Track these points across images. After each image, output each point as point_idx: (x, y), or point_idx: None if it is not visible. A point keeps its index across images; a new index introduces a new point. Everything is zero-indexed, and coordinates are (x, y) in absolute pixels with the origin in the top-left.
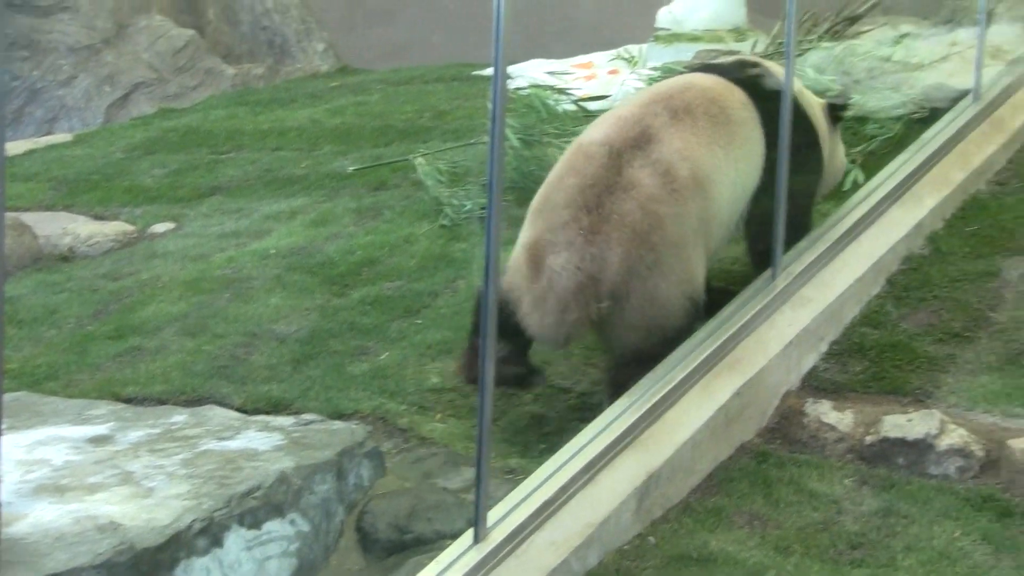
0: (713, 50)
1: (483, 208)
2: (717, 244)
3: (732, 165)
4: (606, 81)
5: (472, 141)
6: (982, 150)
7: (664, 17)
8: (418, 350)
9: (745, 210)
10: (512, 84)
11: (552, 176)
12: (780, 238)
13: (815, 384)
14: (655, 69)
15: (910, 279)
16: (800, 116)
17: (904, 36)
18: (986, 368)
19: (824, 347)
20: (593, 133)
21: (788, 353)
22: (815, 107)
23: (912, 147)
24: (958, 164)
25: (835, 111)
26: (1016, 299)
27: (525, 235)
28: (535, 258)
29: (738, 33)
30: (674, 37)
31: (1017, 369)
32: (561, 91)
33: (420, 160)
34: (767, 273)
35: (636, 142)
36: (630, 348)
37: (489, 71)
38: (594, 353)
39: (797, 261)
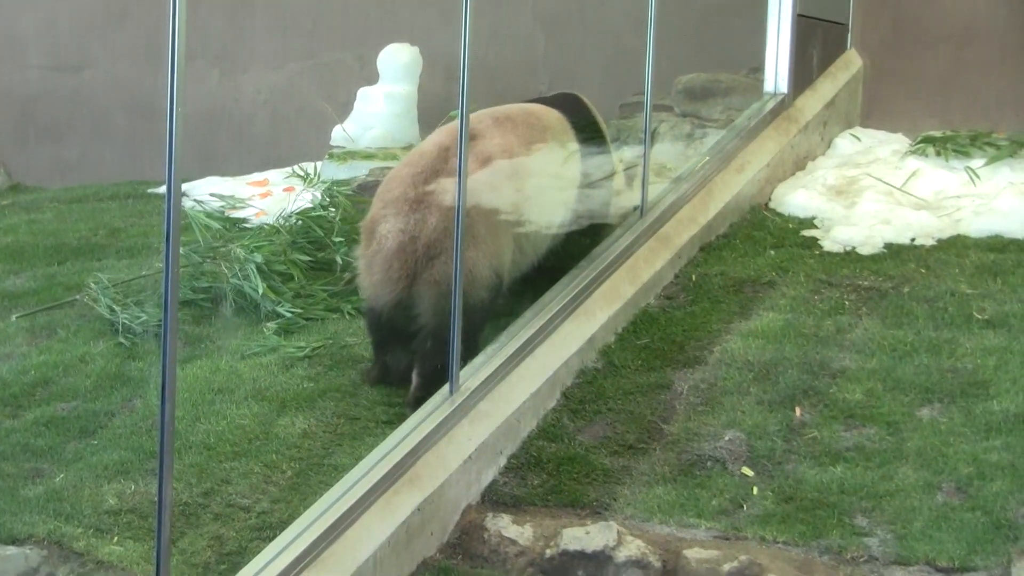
0: (387, 167)
1: (159, 325)
2: (534, 241)
3: (547, 168)
4: (282, 198)
5: (145, 274)
6: (651, 265)
7: (338, 135)
8: (95, 471)
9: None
10: (187, 202)
11: (391, 172)
12: (456, 352)
13: (495, 498)
14: (324, 183)
15: (585, 392)
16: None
17: (573, 153)
18: (660, 479)
19: (503, 461)
20: (428, 139)
21: (468, 468)
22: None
23: (583, 262)
24: (628, 279)
25: None
26: (687, 410)
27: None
28: (369, 231)
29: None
30: (349, 155)
31: (690, 480)
32: (236, 206)
33: (96, 277)
34: (444, 388)
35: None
36: (441, 312)
37: (164, 188)
38: (274, 471)
39: (474, 376)
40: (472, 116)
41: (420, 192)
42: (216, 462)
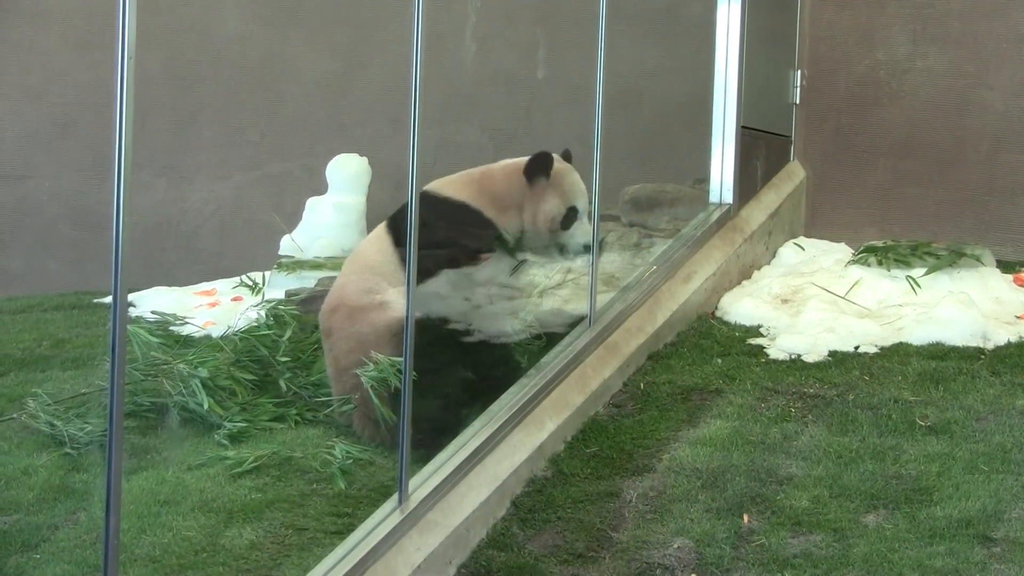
0: (335, 277)
1: (104, 435)
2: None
3: None
4: (229, 308)
5: (85, 391)
6: (599, 374)
7: (287, 245)
8: None
9: None
10: (134, 312)
11: None
12: (406, 459)
13: None
14: (268, 303)
15: (534, 501)
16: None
17: (521, 263)
18: None
19: (452, 571)
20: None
21: None
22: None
23: (532, 371)
24: (577, 387)
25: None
26: (636, 519)
27: None
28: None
29: None
30: (297, 264)
31: None
32: (182, 320)
33: (35, 393)
34: (394, 497)
35: None
36: None
37: (109, 299)
38: None
39: (423, 485)
40: None
41: None
42: (161, 575)
